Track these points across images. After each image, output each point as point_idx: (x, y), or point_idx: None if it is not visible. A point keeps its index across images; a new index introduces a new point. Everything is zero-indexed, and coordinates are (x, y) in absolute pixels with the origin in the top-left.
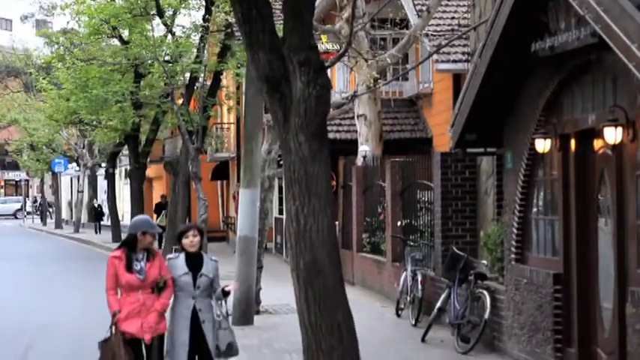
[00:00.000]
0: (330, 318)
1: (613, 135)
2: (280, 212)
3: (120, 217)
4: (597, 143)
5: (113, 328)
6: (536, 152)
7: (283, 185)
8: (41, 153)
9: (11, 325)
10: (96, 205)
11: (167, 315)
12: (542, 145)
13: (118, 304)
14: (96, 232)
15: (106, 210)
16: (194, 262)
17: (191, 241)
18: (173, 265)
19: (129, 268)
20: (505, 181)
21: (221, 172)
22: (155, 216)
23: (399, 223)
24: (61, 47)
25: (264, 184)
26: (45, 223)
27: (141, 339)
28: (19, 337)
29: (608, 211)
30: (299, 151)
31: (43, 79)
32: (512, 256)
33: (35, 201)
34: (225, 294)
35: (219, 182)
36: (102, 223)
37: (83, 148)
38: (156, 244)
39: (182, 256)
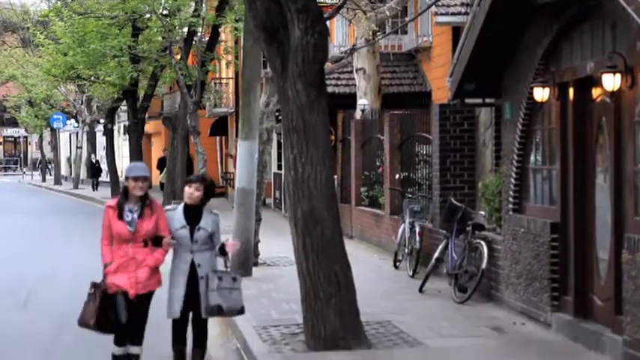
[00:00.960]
0: (327, 267)
1: (611, 82)
2: (279, 168)
3: (119, 174)
4: (596, 91)
5: (103, 279)
6: (534, 102)
7: (282, 138)
8: (39, 109)
9: (12, 276)
10: (94, 160)
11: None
12: (541, 93)
13: (110, 255)
14: (93, 189)
15: (104, 166)
16: (192, 214)
17: (192, 193)
18: (170, 217)
19: (120, 218)
20: (503, 131)
21: (220, 127)
22: (158, 172)
23: (397, 176)
24: (58, 1)
25: (263, 136)
26: (44, 180)
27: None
28: (19, 287)
29: (606, 158)
30: (297, 99)
31: (41, 33)
32: (510, 206)
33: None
34: (224, 253)
35: (218, 138)
36: (100, 179)
37: (81, 104)
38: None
39: (180, 208)
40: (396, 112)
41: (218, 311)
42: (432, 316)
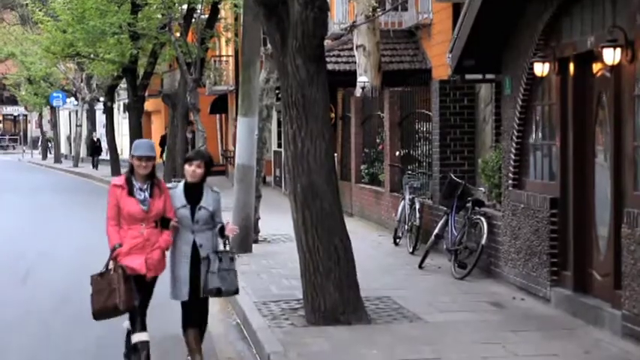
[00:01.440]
0: (327, 241)
1: (612, 56)
2: (279, 146)
3: (119, 152)
4: (596, 66)
5: (111, 262)
6: (534, 77)
7: (282, 113)
8: (39, 87)
9: (11, 252)
10: (94, 139)
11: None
12: (541, 69)
13: (118, 237)
14: (93, 167)
15: (104, 144)
16: (193, 193)
17: (193, 170)
18: (171, 196)
19: (130, 195)
20: (503, 107)
21: (220, 105)
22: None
23: (397, 153)
24: None
25: (262, 113)
26: (45, 158)
27: (143, 275)
28: (19, 262)
29: (606, 133)
30: (296, 74)
31: (40, 10)
32: (510, 181)
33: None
34: (222, 235)
35: (217, 116)
36: (100, 157)
37: (81, 81)
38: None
39: (181, 186)
40: (396, 89)
41: (216, 293)
42: (432, 292)
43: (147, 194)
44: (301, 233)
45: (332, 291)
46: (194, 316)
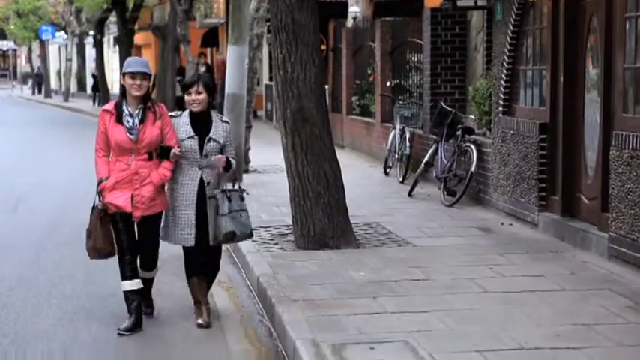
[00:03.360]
0: (316, 166)
1: None
2: (270, 79)
3: (109, 86)
4: None
5: (97, 197)
6: (525, 1)
7: (271, 38)
8: (28, 20)
9: (2, 182)
10: (96, 73)
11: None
12: None
13: (106, 169)
14: (94, 104)
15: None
16: (201, 122)
17: (194, 98)
18: (175, 125)
19: (118, 122)
20: (495, 33)
21: (211, 39)
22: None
23: (388, 84)
24: None
25: (253, 42)
26: (35, 92)
27: (129, 214)
28: (9, 192)
29: (596, 57)
30: None
31: None
32: (500, 108)
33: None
34: (227, 169)
35: (209, 50)
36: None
37: (70, 15)
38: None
39: (186, 114)
40: (387, 18)
41: (231, 238)
42: (421, 218)
43: (137, 121)
44: (290, 158)
45: (321, 216)
46: (201, 265)
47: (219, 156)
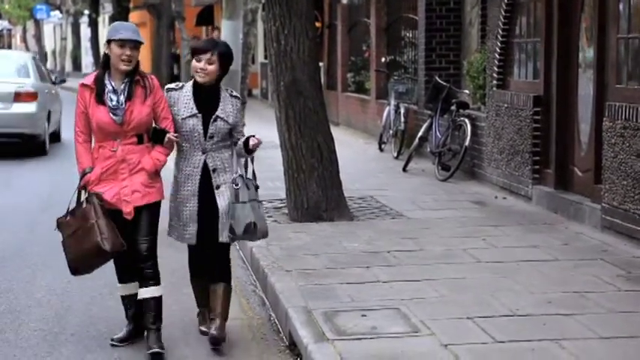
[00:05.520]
0: (310, 138)
1: None
2: (266, 57)
3: None
4: None
5: (82, 194)
6: None
7: (265, 10)
8: None
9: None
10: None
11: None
12: None
13: (89, 157)
14: None
15: (90, 58)
16: (206, 98)
17: (202, 67)
18: (174, 100)
19: (99, 102)
20: (489, 6)
21: (206, 16)
22: None
23: (383, 60)
24: None
25: (247, 17)
26: None
27: (120, 211)
28: (2, 170)
29: (590, 29)
30: None
31: None
32: (494, 82)
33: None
34: (250, 151)
35: (204, 28)
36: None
37: None
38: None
39: (188, 87)
40: None
41: (252, 231)
42: (415, 192)
43: (122, 98)
44: (284, 131)
45: (315, 188)
46: (205, 265)
47: (255, 139)
